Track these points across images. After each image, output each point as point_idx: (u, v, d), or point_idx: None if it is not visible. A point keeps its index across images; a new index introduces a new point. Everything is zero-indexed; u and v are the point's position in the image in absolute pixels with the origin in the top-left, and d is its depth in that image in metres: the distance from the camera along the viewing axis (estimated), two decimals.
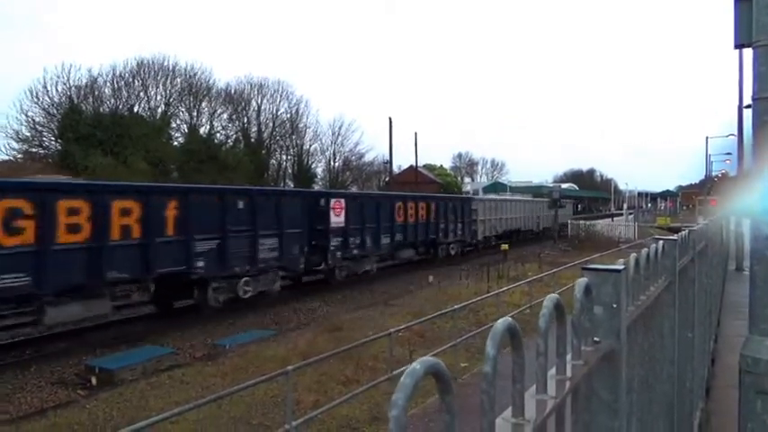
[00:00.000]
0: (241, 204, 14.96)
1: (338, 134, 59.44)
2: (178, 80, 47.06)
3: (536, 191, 61.93)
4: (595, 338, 1.38)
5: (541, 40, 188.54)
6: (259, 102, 53.61)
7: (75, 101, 40.10)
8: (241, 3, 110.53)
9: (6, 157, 37.23)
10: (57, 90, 39.69)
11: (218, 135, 49.64)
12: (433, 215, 25.37)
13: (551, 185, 69.95)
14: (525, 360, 0.94)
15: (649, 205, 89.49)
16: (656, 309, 2.26)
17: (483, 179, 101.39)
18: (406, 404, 0.64)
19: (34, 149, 38.71)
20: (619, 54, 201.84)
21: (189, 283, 13.93)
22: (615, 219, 57.62)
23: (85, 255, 11.30)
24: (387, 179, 54.54)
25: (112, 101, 43.24)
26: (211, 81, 49.51)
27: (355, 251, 19.87)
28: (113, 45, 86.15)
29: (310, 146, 57.51)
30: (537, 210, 40.94)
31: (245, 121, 52.66)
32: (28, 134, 38.73)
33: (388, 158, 48.96)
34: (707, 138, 40.59)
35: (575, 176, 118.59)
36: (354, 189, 53.07)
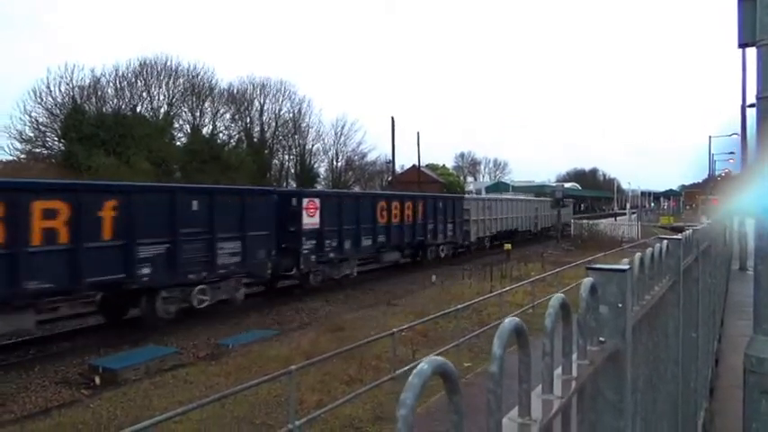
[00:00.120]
0: (196, 204, 13.60)
1: (341, 134, 59.59)
2: (181, 80, 47.22)
3: (539, 190, 61.93)
4: (601, 338, 1.38)
5: (544, 39, 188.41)
6: (262, 102, 53.77)
7: (79, 101, 40.22)
8: (243, 3, 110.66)
9: (10, 158, 37.40)
10: (60, 90, 39.86)
11: (220, 135, 49.79)
12: (421, 215, 24.11)
13: (554, 185, 69.87)
14: (531, 359, 0.94)
15: (652, 204, 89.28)
16: (660, 308, 2.26)
17: (486, 179, 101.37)
18: (415, 403, 0.64)
19: (37, 150, 38.83)
20: (621, 53, 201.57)
21: (136, 292, 12.63)
22: (618, 218, 57.55)
23: None
24: (389, 179, 54.54)
25: (115, 101, 43.39)
26: (214, 81, 49.68)
27: (332, 254, 18.61)
28: (116, 45, 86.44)
29: (313, 146, 57.68)
30: (535, 209, 39.71)
31: (248, 121, 52.78)
32: (31, 134, 38.89)
33: (391, 158, 48.99)
34: (710, 137, 40.48)
35: (577, 176, 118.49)
36: (357, 189, 53.10)
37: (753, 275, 3.73)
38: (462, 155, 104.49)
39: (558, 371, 1.11)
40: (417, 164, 53.14)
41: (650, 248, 2.10)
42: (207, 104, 49.20)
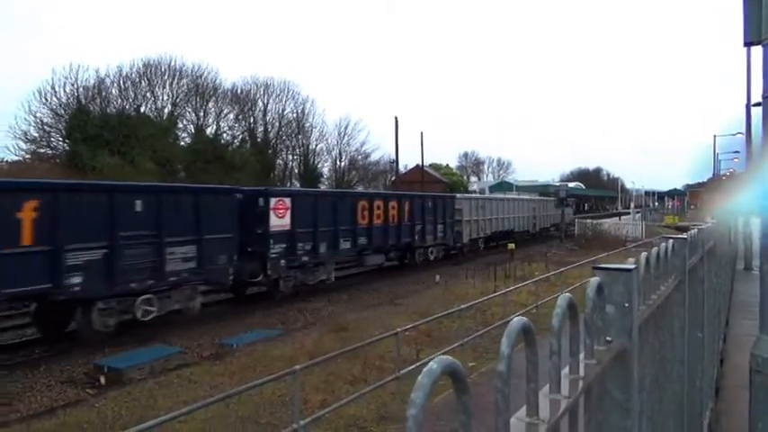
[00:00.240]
0: (140, 205, 12.22)
1: (344, 134, 59.68)
2: (185, 80, 47.37)
3: (542, 190, 61.84)
4: (608, 338, 1.38)
5: (547, 39, 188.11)
6: (265, 102, 53.89)
7: (83, 101, 40.40)
8: (247, 3, 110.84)
9: (16, 158, 37.58)
10: (65, 91, 40.05)
11: (224, 135, 49.90)
12: (407, 216, 22.62)
13: (558, 184, 69.84)
14: (539, 359, 0.94)
15: (657, 204, 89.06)
16: (666, 308, 2.25)
17: (489, 178, 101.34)
18: (424, 403, 0.64)
19: (42, 150, 39.01)
20: (625, 52, 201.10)
21: (71, 303, 11.41)
22: (622, 218, 57.42)
23: None
24: (393, 179, 54.56)
25: (119, 101, 43.58)
26: (218, 81, 49.83)
27: (305, 258, 17.21)
28: (120, 46, 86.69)
29: (316, 145, 57.77)
30: (533, 209, 38.24)
31: (252, 121, 52.90)
32: (36, 135, 39.07)
33: (394, 158, 49.00)
34: (714, 136, 40.33)
35: (581, 175, 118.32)
36: (360, 188, 53.11)
37: (758, 275, 3.72)
38: (466, 154, 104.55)
39: (566, 370, 1.11)
40: (421, 164, 53.14)
41: (656, 248, 2.09)
42: (211, 104, 49.42)
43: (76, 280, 11.04)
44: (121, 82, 43.89)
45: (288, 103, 54.87)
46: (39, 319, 12.35)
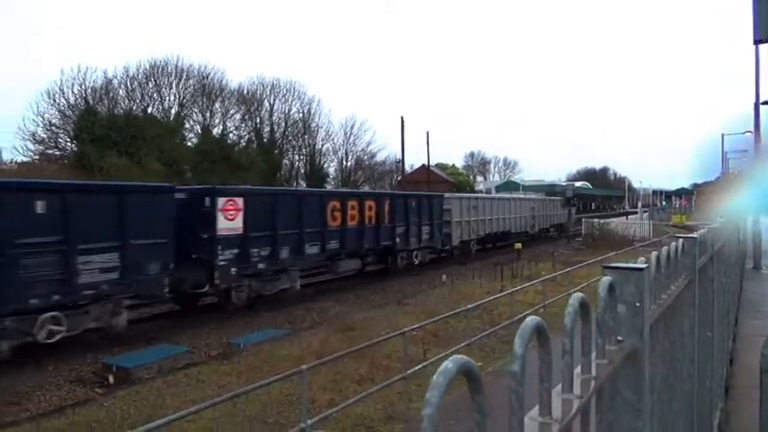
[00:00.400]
0: (42, 206, 10.47)
1: (350, 134, 59.73)
2: (191, 81, 47.54)
3: (549, 189, 61.68)
4: (619, 337, 1.38)
5: (554, 38, 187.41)
6: (271, 102, 54.01)
7: (91, 102, 40.66)
8: (253, 3, 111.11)
9: (25, 159, 37.89)
10: (73, 92, 40.32)
11: (231, 135, 50.07)
12: (387, 217, 20.66)
13: (564, 184, 69.64)
14: (552, 358, 0.94)
15: (664, 203, 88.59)
16: (676, 308, 2.24)
17: (496, 178, 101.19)
18: (440, 402, 0.64)
19: (50, 151, 39.29)
20: (632, 51, 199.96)
21: None
22: (629, 217, 57.18)
23: None
24: (399, 178, 54.56)
25: (127, 102, 43.81)
26: (224, 82, 49.98)
27: (262, 265, 15.37)
28: (127, 47, 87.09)
29: (322, 145, 57.85)
30: (531, 208, 36.13)
31: (258, 121, 53.04)
32: (44, 136, 39.35)
33: (400, 158, 49.01)
34: (722, 135, 40.05)
35: (588, 174, 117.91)
36: (366, 188, 53.13)
37: (767, 274, 3.69)
38: (472, 154, 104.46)
39: (577, 370, 1.11)
40: (427, 163, 53.10)
41: (666, 247, 2.08)
42: (217, 105, 49.56)
43: None
44: (128, 83, 44.17)
45: (294, 103, 55.06)
46: None
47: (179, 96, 46.95)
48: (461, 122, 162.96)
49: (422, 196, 24.55)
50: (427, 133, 73.26)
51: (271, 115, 53.85)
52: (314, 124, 56.57)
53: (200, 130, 48.20)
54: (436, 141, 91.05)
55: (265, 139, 52.98)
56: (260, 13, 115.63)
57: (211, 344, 12.20)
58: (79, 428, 7.65)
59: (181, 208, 13.48)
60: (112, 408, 8.36)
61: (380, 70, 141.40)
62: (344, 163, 60.09)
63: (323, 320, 14.50)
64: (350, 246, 18.93)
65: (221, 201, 14.34)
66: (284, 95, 54.35)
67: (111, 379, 9.82)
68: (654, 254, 1.82)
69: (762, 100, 17.63)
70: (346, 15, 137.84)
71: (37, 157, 38.25)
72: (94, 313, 11.50)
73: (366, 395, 7.42)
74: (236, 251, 14.59)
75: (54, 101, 39.61)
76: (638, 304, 1.45)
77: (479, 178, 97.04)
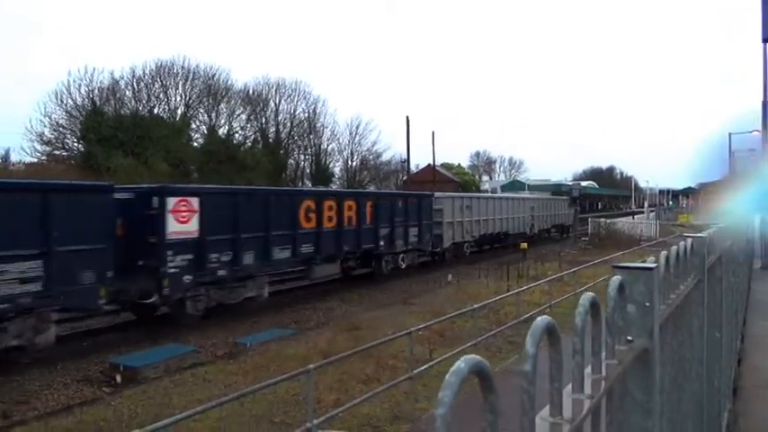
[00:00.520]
0: None
1: (356, 133, 59.74)
2: (197, 82, 47.74)
3: (555, 189, 61.45)
4: (628, 337, 1.37)
5: (561, 37, 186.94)
6: (277, 102, 54.13)
7: (98, 103, 40.88)
8: (258, 4, 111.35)
9: (32, 159, 38.14)
10: (80, 93, 40.55)
11: (236, 135, 50.20)
12: (369, 217, 19.21)
13: (570, 183, 69.42)
14: (563, 358, 0.94)
15: (671, 203, 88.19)
16: (685, 308, 2.23)
17: (501, 177, 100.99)
18: (453, 402, 0.64)
19: (57, 151, 39.52)
20: (639, 49, 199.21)
21: None
22: (636, 216, 56.93)
23: None
24: (404, 178, 54.55)
25: (133, 103, 44.04)
26: (230, 82, 50.16)
27: (221, 272, 13.93)
28: (132, 47, 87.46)
29: (328, 145, 57.92)
30: (530, 209, 34.63)
31: (264, 121, 53.15)
32: (51, 136, 39.57)
33: (406, 157, 49.00)
34: (729, 134, 39.79)
35: (594, 174, 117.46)
36: (372, 188, 53.14)
37: None
38: (478, 154, 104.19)
39: (588, 370, 1.11)
40: (432, 163, 53.03)
41: (675, 247, 2.07)
42: (223, 105, 49.73)
43: None
44: (135, 83, 44.40)
45: (299, 103, 55.16)
46: None
47: (185, 97, 47.19)
48: (467, 122, 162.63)
49: (409, 196, 23.24)
50: (433, 133, 72.45)
51: (276, 115, 54.01)
52: (319, 124, 56.73)
53: (206, 131, 48.38)
54: (442, 141, 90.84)
55: (271, 140, 53.08)
56: (265, 13, 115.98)
57: (218, 343, 12.24)
58: (87, 427, 7.69)
59: (126, 209, 12.27)
60: (120, 407, 8.40)
61: (386, 70, 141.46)
62: (350, 163, 60.18)
63: (329, 320, 14.51)
64: (326, 249, 17.48)
65: (171, 201, 12.93)
66: (290, 95, 54.53)
67: (118, 378, 9.87)
68: (663, 253, 1.81)
69: None
70: (352, 15, 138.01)
71: (44, 157, 38.50)
72: (14, 331, 9.89)
73: (372, 395, 7.41)
74: (190, 257, 13.14)
75: (61, 101, 39.94)
76: (647, 304, 1.44)
77: (485, 178, 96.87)
